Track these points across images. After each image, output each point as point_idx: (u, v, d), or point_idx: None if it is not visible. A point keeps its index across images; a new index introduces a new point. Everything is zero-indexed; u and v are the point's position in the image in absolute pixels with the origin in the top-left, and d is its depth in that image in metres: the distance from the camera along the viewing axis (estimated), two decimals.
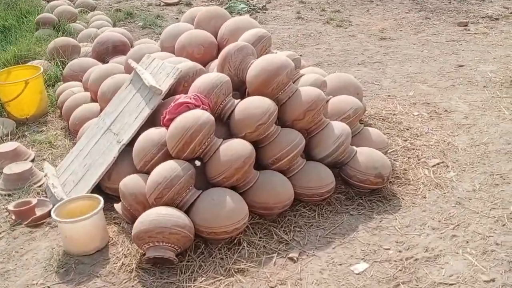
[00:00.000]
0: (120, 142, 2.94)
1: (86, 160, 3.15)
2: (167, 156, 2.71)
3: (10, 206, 3.04)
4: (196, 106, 2.70)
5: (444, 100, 4.37)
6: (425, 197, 2.98)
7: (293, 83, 3.24)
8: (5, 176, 3.40)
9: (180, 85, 3.11)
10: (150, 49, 3.98)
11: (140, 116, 2.97)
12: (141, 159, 2.77)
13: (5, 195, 3.34)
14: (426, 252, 2.53)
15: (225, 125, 2.91)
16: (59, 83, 4.89)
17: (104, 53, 4.72)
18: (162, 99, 3.03)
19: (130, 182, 2.70)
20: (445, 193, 3.01)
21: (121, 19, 8.12)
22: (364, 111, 3.29)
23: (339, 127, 2.98)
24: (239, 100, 2.89)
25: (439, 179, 3.16)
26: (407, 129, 3.87)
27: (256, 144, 2.85)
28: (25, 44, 5.53)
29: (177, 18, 8.36)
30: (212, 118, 2.68)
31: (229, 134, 2.87)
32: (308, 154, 3.06)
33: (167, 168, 2.56)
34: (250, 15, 8.25)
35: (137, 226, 2.45)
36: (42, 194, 3.29)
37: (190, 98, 2.72)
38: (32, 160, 3.77)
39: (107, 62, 4.62)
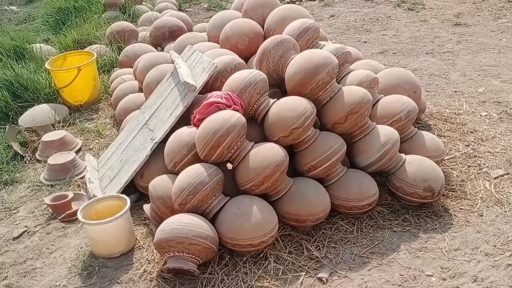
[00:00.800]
0: (153, 139, 2.83)
1: (122, 155, 3.08)
2: (197, 158, 2.57)
3: (47, 199, 3.03)
4: (227, 107, 2.53)
5: None
6: (481, 215, 2.65)
7: (340, 80, 2.99)
8: (49, 166, 3.41)
9: (218, 81, 2.95)
10: (197, 38, 3.83)
11: (174, 113, 2.84)
12: (171, 159, 2.64)
13: (48, 185, 3.35)
14: (475, 283, 2.23)
15: (260, 127, 2.70)
16: (115, 69, 4.88)
17: (161, 38, 4.65)
18: (200, 95, 2.87)
19: (159, 184, 2.58)
20: (505, 211, 2.66)
21: (187, 0, 8.06)
22: (418, 113, 2.95)
23: (386, 132, 2.69)
24: (275, 100, 2.67)
25: (501, 194, 2.80)
26: (472, 132, 3.49)
27: (292, 148, 2.64)
28: (85, 28, 5.55)
29: None
30: (243, 120, 2.49)
31: (265, 136, 2.67)
32: (351, 161, 2.80)
33: (192, 174, 2.41)
34: None
35: (158, 234, 2.33)
36: (83, 186, 3.27)
37: (221, 97, 2.54)
38: (79, 150, 3.78)
39: (163, 48, 4.55)
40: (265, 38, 3.41)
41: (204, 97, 2.73)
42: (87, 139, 3.90)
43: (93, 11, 6.82)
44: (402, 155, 2.76)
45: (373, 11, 6.92)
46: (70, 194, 3.02)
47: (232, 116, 2.46)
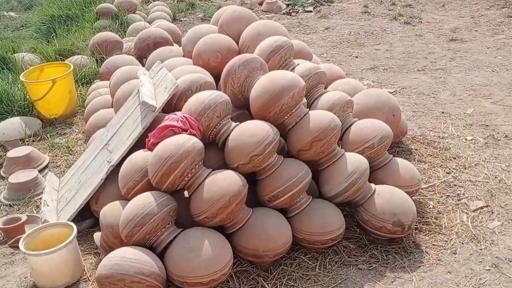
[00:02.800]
0: (110, 162, 2.67)
1: (82, 176, 2.92)
2: (151, 185, 2.39)
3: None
4: (183, 130, 2.36)
5: (508, 122, 3.72)
6: (455, 253, 2.46)
7: (312, 102, 2.82)
8: (9, 185, 3.26)
9: (182, 100, 2.77)
10: (173, 53, 3.67)
11: (132, 134, 2.68)
12: (124, 185, 2.48)
13: (7, 205, 3.19)
14: None
15: (222, 151, 2.53)
16: (95, 81, 4.73)
17: (145, 50, 4.50)
18: (164, 113, 2.70)
19: (109, 212, 2.42)
20: (481, 249, 2.47)
21: (182, 10, 7.93)
22: (399, 136, 2.78)
23: (354, 161, 2.51)
24: (237, 124, 2.50)
25: (478, 229, 2.61)
26: (454, 158, 3.31)
27: (254, 176, 2.47)
28: (69, 38, 5.42)
29: None
30: (200, 145, 2.32)
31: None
32: (319, 189, 2.62)
33: (140, 204, 2.25)
34: (313, 8, 7.78)
35: (99, 269, 2.16)
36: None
37: (177, 120, 2.38)
38: (46, 167, 3.62)
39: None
40: (239, 54, 3.24)
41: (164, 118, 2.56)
42: (56, 156, 3.75)
43: (86, 20, 6.69)
44: (372, 185, 2.58)
45: (369, 24, 6.77)
46: (23, 217, 2.86)
47: (187, 141, 2.29)
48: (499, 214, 2.75)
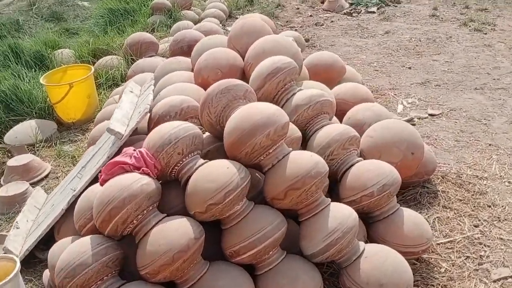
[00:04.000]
0: (74, 191, 2.42)
1: (55, 199, 2.71)
2: None
3: None
4: (135, 168, 2.05)
5: None
6: None
7: (312, 135, 2.42)
8: (7, 168, 3.14)
9: None
10: (181, 64, 3.37)
11: (99, 163, 2.41)
12: (77, 221, 2.23)
13: None
14: None
15: None
16: (122, 85, 4.56)
17: (179, 53, 4.24)
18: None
19: (57, 251, 2.18)
20: None
21: (240, 6, 7.64)
22: (398, 186, 2.31)
23: (339, 215, 2.09)
24: (204, 162, 2.16)
25: None
26: (489, 206, 2.76)
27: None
28: (104, 38, 5.28)
29: (297, 9, 7.66)
30: (151, 187, 2.02)
31: None
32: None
33: (75, 251, 1.99)
34: (377, 9, 7.21)
35: None
36: None
37: (131, 156, 2.07)
38: (46, 177, 3.47)
39: None
40: (244, 73, 2.90)
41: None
42: (58, 166, 3.59)
43: (142, 14, 6.58)
44: (361, 244, 2.15)
45: (434, 30, 6.13)
46: None
47: (134, 183, 1.99)
48: None
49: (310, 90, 2.55)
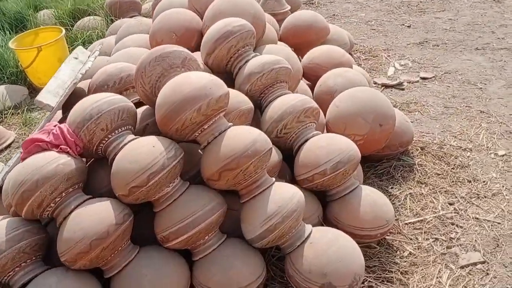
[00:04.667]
0: (7, 163, 2.25)
1: None
2: None
3: None
4: (53, 146, 1.86)
5: None
6: None
7: (265, 107, 2.19)
8: None
9: None
10: (142, 27, 3.13)
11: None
12: (4, 200, 2.06)
13: None
14: None
15: None
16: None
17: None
18: None
19: None
20: None
21: None
22: (355, 163, 2.08)
23: (280, 198, 1.88)
24: (133, 138, 1.95)
25: None
26: (469, 182, 2.53)
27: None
28: None
29: None
30: (70, 168, 1.84)
31: None
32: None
33: None
34: None
35: None
36: None
37: (49, 133, 1.88)
38: (8, 146, 3.32)
39: None
40: (202, 36, 2.65)
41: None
42: (24, 134, 3.43)
43: None
44: (307, 228, 1.95)
45: None
46: None
47: (48, 164, 1.80)
48: (496, 277, 2.00)
49: (264, 56, 2.30)
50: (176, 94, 1.85)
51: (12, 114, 3.69)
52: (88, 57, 2.47)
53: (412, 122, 3.10)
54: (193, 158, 2.07)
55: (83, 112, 1.89)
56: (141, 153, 1.81)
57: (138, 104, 2.25)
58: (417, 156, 2.73)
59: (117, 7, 4.57)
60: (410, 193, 2.48)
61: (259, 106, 2.35)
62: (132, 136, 1.96)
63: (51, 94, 2.18)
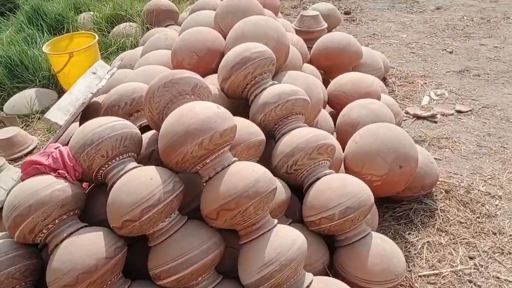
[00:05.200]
0: (14, 180, 2.23)
1: None
2: None
3: None
4: (52, 170, 1.81)
5: None
6: None
7: (277, 140, 2.10)
8: None
9: None
10: (168, 41, 3.08)
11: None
12: (4, 221, 2.02)
13: None
14: None
15: None
16: None
17: None
18: None
19: None
20: None
21: None
22: (367, 210, 1.95)
23: (279, 244, 1.78)
24: (135, 166, 1.89)
25: None
26: (494, 234, 2.38)
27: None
28: (123, 4, 5.05)
29: None
30: (66, 194, 1.79)
31: None
32: None
33: None
34: None
35: None
36: None
37: (49, 156, 1.84)
38: (31, 152, 3.33)
39: None
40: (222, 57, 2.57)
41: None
42: (47, 140, 3.44)
43: None
44: (307, 278, 1.83)
45: (492, 8, 5.48)
46: None
47: (43, 189, 1.76)
48: None
49: (282, 86, 2.20)
50: (179, 126, 1.77)
51: (39, 119, 3.71)
52: (107, 72, 2.42)
53: (440, 160, 2.93)
54: (197, 189, 1.98)
55: (84, 137, 1.84)
56: (137, 185, 1.74)
57: (147, 127, 2.18)
58: (441, 200, 2.57)
59: (154, 15, 4.55)
60: (428, 242, 2.32)
61: (273, 137, 2.24)
62: (133, 164, 1.89)
63: (61, 112, 2.15)
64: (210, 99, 2.05)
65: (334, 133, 2.75)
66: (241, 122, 2.08)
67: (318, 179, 2.07)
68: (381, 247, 1.98)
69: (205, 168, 1.82)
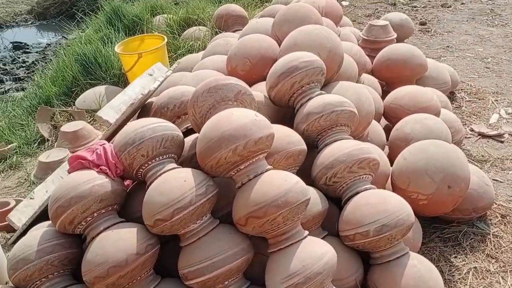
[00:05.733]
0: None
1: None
2: None
3: None
4: (95, 166, 1.91)
5: None
6: None
7: (319, 151, 2.09)
8: (38, 163, 3.23)
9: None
10: (228, 47, 3.13)
11: None
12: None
13: (32, 183, 3.18)
14: None
15: None
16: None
17: None
18: None
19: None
20: None
21: None
22: (407, 229, 1.88)
23: (308, 256, 1.76)
24: (173, 167, 1.94)
25: None
26: None
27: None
28: (194, 8, 5.18)
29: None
30: (105, 189, 1.88)
31: None
32: None
33: (22, 243, 1.95)
34: None
35: None
36: None
37: (93, 152, 1.93)
38: None
39: None
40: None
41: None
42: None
43: None
44: None
45: None
46: (12, 202, 2.77)
47: (85, 183, 1.85)
48: None
49: (328, 96, 2.17)
50: (215, 131, 1.80)
51: None
52: (162, 75, 2.51)
53: (501, 182, 2.77)
54: (232, 194, 1.99)
55: (126, 136, 1.91)
56: (171, 186, 1.79)
57: (193, 130, 2.23)
58: (495, 224, 2.42)
59: (223, 20, 4.64)
60: (475, 267, 2.20)
61: (317, 147, 2.22)
62: (172, 165, 1.94)
63: (113, 110, 2.24)
64: (253, 106, 2.06)
65: (386, 146, 2.68)
66: (281, 131, 2.07)
67: (357, 193, 2.02)
68: (417, 269, 1.90)
69: (239, 174, 1.84)
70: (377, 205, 1.91)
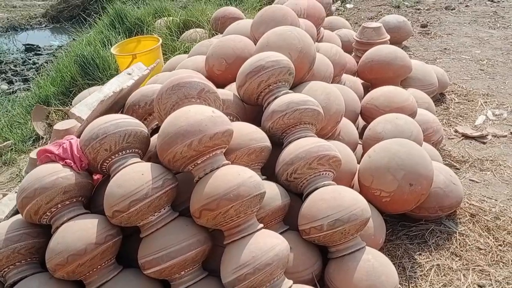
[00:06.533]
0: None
1: None
2: None
3: None
4: (60, 159, 1.99)
5: None
6: None
7: (284, 148, 2.15)
8: (29, 160, 3.33)
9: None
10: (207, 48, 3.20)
11: None
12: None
13: (22, 178, 3.28)
14: None
15: None
16: None
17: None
18: None
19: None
20: None
21: None
22: (361, 224, 1.93)
23: (257, 247, 1.82)
24: (134, 162, 2.02)
25: None
26: None
27: None
28: (194, 11, 5.28)
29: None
30: (69, 182, 1.96)
31: None
32: None
33: None
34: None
35: None
36: None
37: (60, 146, 2.02)
38: None
39: None
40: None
41: None
42: None
43: None
44: (284, 284, 1.84)
45: None
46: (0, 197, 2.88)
47: (49, 175, 1.94)
48: None
49: (293, 95, 2.23)
50: (172, 127, 1.87)
51: None
52: (140, 74, 2.59)
53: (477, 182, 2.78)
54: (192, 189, 2.06)
55: (90, 131, 2.00)
56: (129, 179, 1.86)
57: None
58: (464, 223, 2.45)
59: (220, 22, 4.72)
60: (437, 265, 2.23)
61: (281, 145, 2.28)
62: (134, 160, 2.02)
63: (87, 108, 2.33)
64: (217, 104, 2.12)
65: (359, 145, 2.72)
66: (245, 128, 2.13)
67: (316, 189, 2.07)
68: (371, 263, 1.94)
69: (196, 168, 1.91)
70: (332, 200, 1.96)
